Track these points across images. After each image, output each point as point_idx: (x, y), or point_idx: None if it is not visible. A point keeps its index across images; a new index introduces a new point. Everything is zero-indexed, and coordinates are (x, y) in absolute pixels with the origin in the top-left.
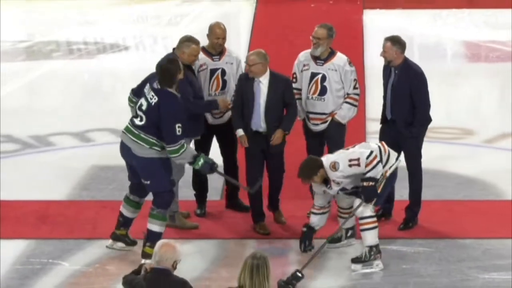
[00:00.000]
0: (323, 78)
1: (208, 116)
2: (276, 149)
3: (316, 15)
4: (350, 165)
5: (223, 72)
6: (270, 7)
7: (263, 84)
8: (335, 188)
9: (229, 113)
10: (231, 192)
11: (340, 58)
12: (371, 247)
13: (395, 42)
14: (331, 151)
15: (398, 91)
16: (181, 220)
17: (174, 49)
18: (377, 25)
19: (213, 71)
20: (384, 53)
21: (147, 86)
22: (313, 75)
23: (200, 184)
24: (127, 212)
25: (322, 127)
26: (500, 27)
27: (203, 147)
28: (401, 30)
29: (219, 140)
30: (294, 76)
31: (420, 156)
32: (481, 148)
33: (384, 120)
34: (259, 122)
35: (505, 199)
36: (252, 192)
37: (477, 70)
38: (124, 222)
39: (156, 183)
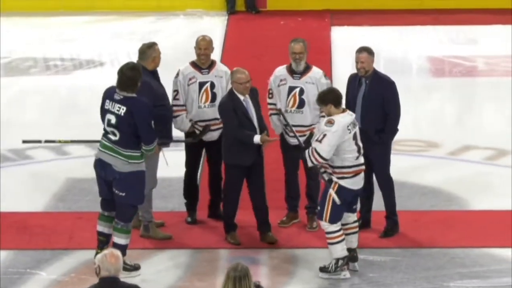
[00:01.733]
0: (301, 91)
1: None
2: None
3: (286, 31)
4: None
5: (212, 85)
6: (241, 24)
7: (249, 100)
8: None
9: (219, 131)
10: (213, 202)
11: (316, 72)
12: (338, 259)
13: (371, 53)
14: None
15: (370, 101)
16: (155, 231)
17: (138, 60)
18: (345, 42)
19: (202, 84)
20: (361, 64)
21: (107, 102)
22: (291, 89)
23: (191, 193)
24: (104, 229)
25: (300, 140)
26: (463, 43)
27: (195, 160)
28: (368, 46)
29: (207, 152)
30: (270, 92)
31: (389, 163)
32: (445, 160)
33: None
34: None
35: (469, 209)
36: (195, 141)
37: (441, 84)
38: (106, 241)
39: (132, 196)
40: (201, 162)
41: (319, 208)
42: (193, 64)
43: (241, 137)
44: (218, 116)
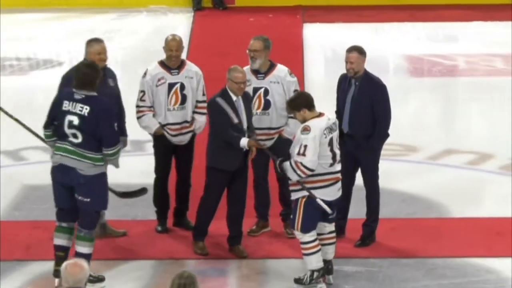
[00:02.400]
0: (266, 92)
1: (169, 136)
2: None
3: (255, 29)
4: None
5: (182, 87)
6: (208, 20)
7: (241, 102)
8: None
9: (189, 134)
10: (179, 210)
11: (280, 70)
12: (313, 271)
13: (362, 52)
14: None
15: (359, 104)
16: (110, 228)
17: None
18: (317, 39)
19: (171, 85)
20: (351, 65)
21: (66, 103)
22: (255, 90)
23: (161, 201)
24: (63, 242)
25: (268, 144)
26: (442, 40)
27: (165, 165)
28: (341, 43)
29: (176, 157)
30: None
31: (377, 170)
32: (424, 165)
33: (341, 136)
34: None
35: (450, 217)
36: (121, 197)
37: (420, 84)
38: (65, 256)
39: (97, 201)
40: (171, 167)
41: (291, 217)
42: (162, 64)
43: (228, 138)
44: (188, 119)
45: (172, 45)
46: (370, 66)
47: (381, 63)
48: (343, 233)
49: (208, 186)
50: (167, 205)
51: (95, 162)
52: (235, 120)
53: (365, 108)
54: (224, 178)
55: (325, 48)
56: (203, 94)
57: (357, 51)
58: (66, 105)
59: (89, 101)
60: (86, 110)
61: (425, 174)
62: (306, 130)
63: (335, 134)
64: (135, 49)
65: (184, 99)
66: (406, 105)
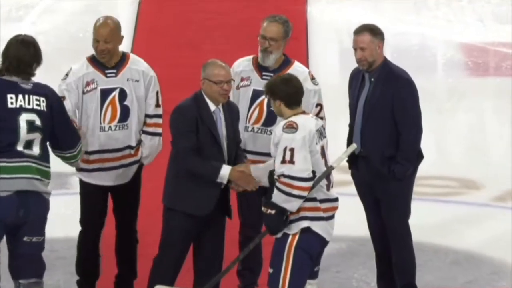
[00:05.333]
0: None
1: (101, 174)
2: None
3: (235, 8)
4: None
5: (122, 94)
6: None
7: (221, 116)
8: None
9: (134, 166)
10: (122, 278)
11: (298, 70)
12: None
13: (376, 33)
14: None
15: (374, 109)
16: None
17: None
18: (327, 19)
19: (105, 93)
20: (361, 53)
21: (11, 97)
22: (256, 94)
23: (88, 265)
24: None
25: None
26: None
27: (98, 214)
28: (370, 23)
29: (115, 201)
30: None
31: (407, 210)
32: (488, 209)
33: (352, 160)
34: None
35: None
36: None
37: (482, 87)
38: None
39: (44, 239)
40: (106, 217)
41: (270, 271)
42: (93, 61)
43: (197, 168)
44: (133, 143)
45: (101, 33)
46: (404, 59)
47: (421, 55)
48: None
49: (165, 240)
50: (96, 271)
51: (48, 179)
52: (210, 142)
53: (383, 114)
54: (189, 227)
55: (337, 31)
56: (157, 105)
57: (369, 32)
58: (14, 100)
59: (43, 90)
60: (43, 103)
61: (489, 223)
62: (291, 127)
63: (326, 142)
64: (56, 36)
65: (125, 113)
66: (461, 118)
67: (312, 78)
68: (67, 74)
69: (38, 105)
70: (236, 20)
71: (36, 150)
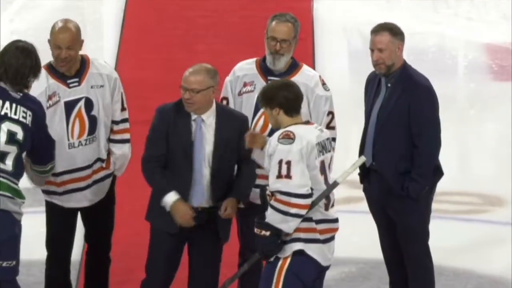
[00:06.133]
0: None
1: (73, 196)
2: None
3: (233, 5)
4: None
5: (89, 104)
6: None
7: (208, 126)
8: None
9: (108, 180)
10: None
11: (308, 75)
12: None
13: (396, 33)
14: None
15: (389, 117)
16: None
17: None
18: (335, 17)
19: (70, 105)
20: (379, 55)
21: None
22: None
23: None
24: None
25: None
26: None
27: (67, 235)
28: (373, 23)
29: (86, 218)
30: (226, 103)
31: (425, 232)
32: None
33: (364, 173)
34: (202, 192)
35: None
36: None
37: (507, 93)
38: None
39: (17, 262)
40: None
41: None
42: (51, 70)
43: (149, 182)
44: (103, 156)
45: (63, 39)
46: (424, 62)
47: (441, 58)
48: None
49: (148, 261)
50: None
51: (20, 198)
52: (182, 157)
53: (399, 125)
54: (168, 246)
55: (346, 30)
56: (123, 108)
57: (389, 32)
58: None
59: (31, 104)
60: (29, 117)
61: None
62: (288, 137)
63: (329, 157)
64: (35, 36)
65: (93, 124)
66: (485, 128)
67: (323, 83)
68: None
69: (24, 117)
70: (234, 18)
71: (9, 164)
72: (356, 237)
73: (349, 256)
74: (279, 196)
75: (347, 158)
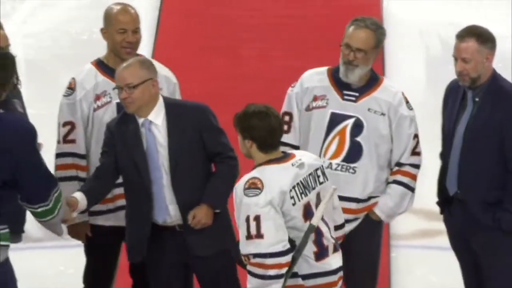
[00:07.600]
0: (357, 126)
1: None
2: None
3: (288, 2)
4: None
5: None
6: None
7: (159, 127)
8: None
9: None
10: None
11: (390, 91)
12: None
13: (485, 41)
14: (355, 277)
15: (478, 138)
16: None
17: None
18: (409, 20)
19: (122, 107)
20: (462, 65)
21: None
22: (335, 119)
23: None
24: None
25: (348, 228)
26: None
27: (104, 270)
28: (452, 26)
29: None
30: (288, 119)
31: None
32: None
33: (444, 200)
34: (163, 206)
35: None
36: None
37: None
38: None
39: None
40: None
41: None
42: (101, 67)
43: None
44: None
45: (128, 21)
46: (507, 70)
47: None
48: None
49: None
50: None
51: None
52: (130, 165)
53: (490, 147)
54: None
55: (422, 33)
56: None
57: (475, 38)
58: None
59: (8, 140)
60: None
61: None
62: (254, 187)
63: (320, 193)
64: (53, 38)
65: None
66: None
67: (407, 101)
68: (71, 88)
69: None
70: (289, 19)
71: None
72: (434, 276)
73: None
74: (252, 260)
75: (422, 183)
